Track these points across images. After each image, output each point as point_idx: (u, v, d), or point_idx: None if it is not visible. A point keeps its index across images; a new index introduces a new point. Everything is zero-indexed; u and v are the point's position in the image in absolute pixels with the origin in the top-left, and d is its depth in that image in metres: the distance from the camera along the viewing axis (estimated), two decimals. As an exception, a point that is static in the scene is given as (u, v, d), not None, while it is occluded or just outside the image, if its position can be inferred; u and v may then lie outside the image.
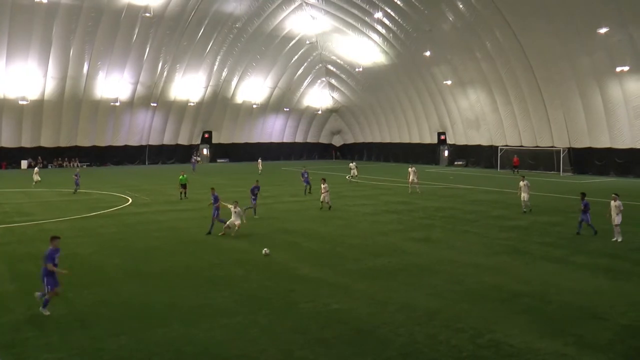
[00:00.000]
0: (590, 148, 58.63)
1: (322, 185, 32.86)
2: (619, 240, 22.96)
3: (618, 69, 51.16)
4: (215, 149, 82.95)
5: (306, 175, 41.11)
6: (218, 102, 79.22)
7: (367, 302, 14.70)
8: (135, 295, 15.23)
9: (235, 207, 23.72)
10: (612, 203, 23.32)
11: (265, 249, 19.89)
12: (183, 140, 79.73)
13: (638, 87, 52.28)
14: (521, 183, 31.74)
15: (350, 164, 53.49)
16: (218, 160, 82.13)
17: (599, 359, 11.09)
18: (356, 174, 51.37)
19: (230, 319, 13.31)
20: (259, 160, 64.18)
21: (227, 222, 23.82)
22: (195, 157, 73.30)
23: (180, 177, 37.75)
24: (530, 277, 17.49)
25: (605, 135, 56.78)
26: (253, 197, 29.78)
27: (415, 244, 22.59)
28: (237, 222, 23.63)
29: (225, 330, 12.58)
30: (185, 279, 17.16)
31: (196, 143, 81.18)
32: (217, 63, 74.59)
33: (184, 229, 25.49)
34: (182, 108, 76.92)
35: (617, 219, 23.02)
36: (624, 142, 55.44)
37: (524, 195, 31.26)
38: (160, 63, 70.34)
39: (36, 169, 48.62)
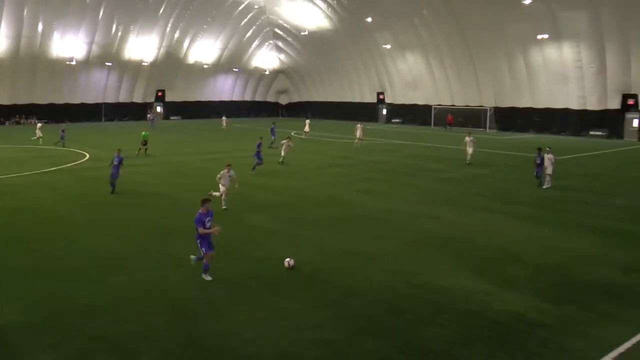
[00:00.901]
0: (513, 108, 60.22)
1: (285, 141, 32.54)
2: (548, 186, 24.63)
3: (539, 37, 52.32)
4: (169, 106, 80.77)
5: (274, 130, 42.88)
6: (171, 62, 76.75)
7: (313, 249, 14.92)
8: (96, 246, 15.00)
9: (228, 171, 19.77)
10: (546, 155, 24.98)
11: (287, 260, 13.33)
12: (138, 98, 77.37)
13: (555, 54, 53.74)
14: (467, 139, 32.93)
15: (306, 120, 53.69)
16: (171, 118, 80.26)
17: (514, 294, 11.69)
18: (307, 130, 51.12)
19: (188, 267, 13.20)
20: (224, 118, 62.88)
21: (218, 191, 19.68)
22: (151, 114, 71.50)
23: (143, 133, 37.15)
24: (460, 224, 18.07)
25: (527, 97, 58.40)
26: (258, 151, 29.51)
27: (358, 195, 22.89)
28: (223, 188, 19.69)
29: (182, 277, 12.57)
30: (142, 229, 16.99)
31: (150, 101, 79.11)
32: (169, 25, 72.07)
33: (140, 182, 25.08)
34: (136, 67, 74.41)
35: (549, 169, 24.86)
36: (542, 102, 57.18)
37: (470, 150, 32.36)
38: (114, 24, 67.46)
39: (39, 124, 46.06)
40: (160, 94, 79.40)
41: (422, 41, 64.62)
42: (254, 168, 28.88)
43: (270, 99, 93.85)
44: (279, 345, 9.33)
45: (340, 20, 70.29)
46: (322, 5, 69.54)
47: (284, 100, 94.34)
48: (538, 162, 25.45)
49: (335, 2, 67.78)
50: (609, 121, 52.73)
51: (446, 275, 12.84)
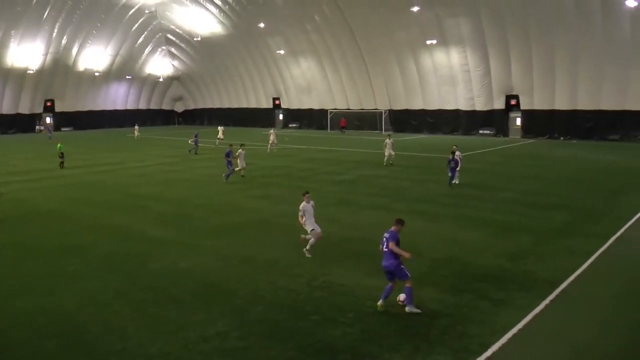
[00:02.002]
0: (407, 110, 62.46)
1: (240, 150, 29.43)
2: (457, 182, 25.78)
3: (428, 42, 54.68)
4: (59, 117, 76.45)
5: (197, 138, 43.94)
6: (59, 69, 72.55)
7: (213, 258, 14.74)
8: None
9: (308, 201, 15.23)
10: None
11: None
12: (24, 109, 72.40)
13: (443, 58, 56.38)
14: (387, 141, 33.98)
15: (219, 127, 53.39)
16: (62, 129, 75.98)
17: (416, 288, 12.01)
18: (221, 137, 50.90)
19: (82, 286, 12.65)
20: (136, 127, 60.87)
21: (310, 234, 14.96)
22: (39, 126, 67.15)
23: (59, 145, 35.68)
24: (357, 224, 18.53)
25: (419, 99, 60.82)
26: (228, 160, 28.71)
27: (256, 201, 22.86)
28: (319, 230, 14.95)
29: (79, 297, 11.95)
30: (35, 249, 16.00)
31: (39, 112, 74.42)
32: (56, 30, 67.78)
33: (30, 199, 23.66)
34: (20, 76, 69.44)
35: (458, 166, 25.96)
36: (434, 104, 59.81)
37: (389, 151, 33.40)
38: (-8, 29, 63.03)
39: None
40: (49, 104, 74.98)
41: (315, 46, 65.55)
42: (227, 177, 28.24)
43: (165, 106, 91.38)
44: (184, 357, 9.13)
45: (233, 25, 69.91)
46: (214, 10, 68.84)
47: (179, 107, 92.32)
48: (452, 165, 25.64)
49: (227, 7, 67.32)
50: (496, 120, 56.03)
51: (347, 275, 13.10)
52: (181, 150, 45.25)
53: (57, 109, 76.11)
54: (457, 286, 12.28)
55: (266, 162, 36.10)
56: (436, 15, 52.91)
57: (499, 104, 55.18)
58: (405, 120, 62.83)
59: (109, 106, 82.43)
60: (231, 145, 30.59)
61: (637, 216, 19.16)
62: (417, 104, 61.32)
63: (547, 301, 11.29)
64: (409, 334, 9.86)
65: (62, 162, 34.47)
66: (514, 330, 9.92)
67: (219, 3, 67.33)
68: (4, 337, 9.98)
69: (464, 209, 20.66)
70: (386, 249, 11.00)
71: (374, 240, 16.09)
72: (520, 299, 11.43)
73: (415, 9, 50.60)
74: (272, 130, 45.29)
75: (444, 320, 10.43)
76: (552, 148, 44.19)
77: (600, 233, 16.79)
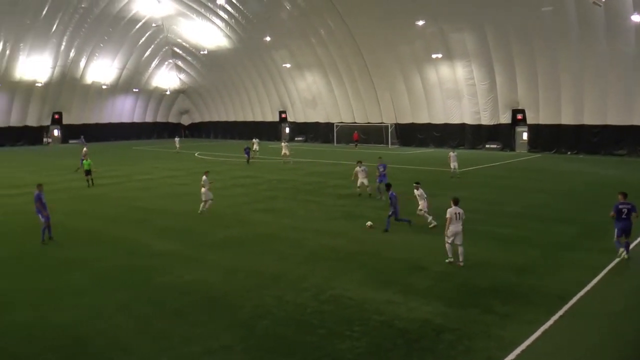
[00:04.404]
0: (413, 124, 62.55)
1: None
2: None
3: (433, 56, 54.89)
4: (67, 130, 76.88)
5: (247, 150, 45.54)
6: (67, 82, 73.05)
7: (218, 272, 14.71)
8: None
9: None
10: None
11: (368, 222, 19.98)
12: (32, 121, 72.91)
13: (449, 72, 56.53)
14: (451, 154, 34.86)
15: (254, 140, 53.50)
16: (70, 142, 76.19)
17: (420, 302, 12.11)
18: (256, 149, 51.29)
19: (86, 299, 12.62)
20: (177, 139, 62.10)
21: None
22: (47, 139, 67.32)
23: (85, 161, 33.41)
24: (363, 238, 18.47)
25: (425, 113, 60.92)
26: (380, 176, 26.97)
27: (261, 215, 22.84)
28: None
29: (80, 311, 11.91)
30: (36, 262, 16.03)
31: (46, 124, 74.86)
32: (64, 43, 68.41)
33: (31, 212, 23.71)
34: (29, 89, 69.97)
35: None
36: (440, 118, 59.87)
37: (454, 164, 34.18)
38: (0, 42, 63.48)
39: None
40: (57, 116, 75.46)
41: (320, 60, 65.83)
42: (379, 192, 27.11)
43: (172, 119, 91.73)
44: (187, 370, 9.11)
45: (239, 39, 70.34)
46: (220, 24, 69.33)
47: (186, 120, 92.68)
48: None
49: (233, 21, 67.79)
50: (502, 135, 55.89)
51: (354, 289, 13.06)
52: (186, 163, 45.40)
53: (65, 121, 76.60)
54: (462, 300, 12.23)
55: (272, 176, 36.11)
56: (441, 30, 53.17)
57: (505, 119, 55.15)
58: (412, 134, 62.91)
59: (115, 119, 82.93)
60: (380, 158, 29.87)
61: (644, 231, 19.07)
62: (423, 118, 61.40)
63: (556, 316, 11.19)
64: (416, 348, 9.82)
65: (92, 180, 32.34)
66: (522, 346, 9.84)
67: (225, 17, 67.84)
68: (4, 351, 9.97)
69: (469, 223, 20.36)
70: (625, 216, 15.08)
71: (380, 254, 16.19)
72: (527, 314, 11.36)
73: (420, 23, 50.90)
74: (284, 143, 46.15)
75: (450, 334, 10.38)
76: (558, 162, 44.09)
77: (606, 248, 16.60)
